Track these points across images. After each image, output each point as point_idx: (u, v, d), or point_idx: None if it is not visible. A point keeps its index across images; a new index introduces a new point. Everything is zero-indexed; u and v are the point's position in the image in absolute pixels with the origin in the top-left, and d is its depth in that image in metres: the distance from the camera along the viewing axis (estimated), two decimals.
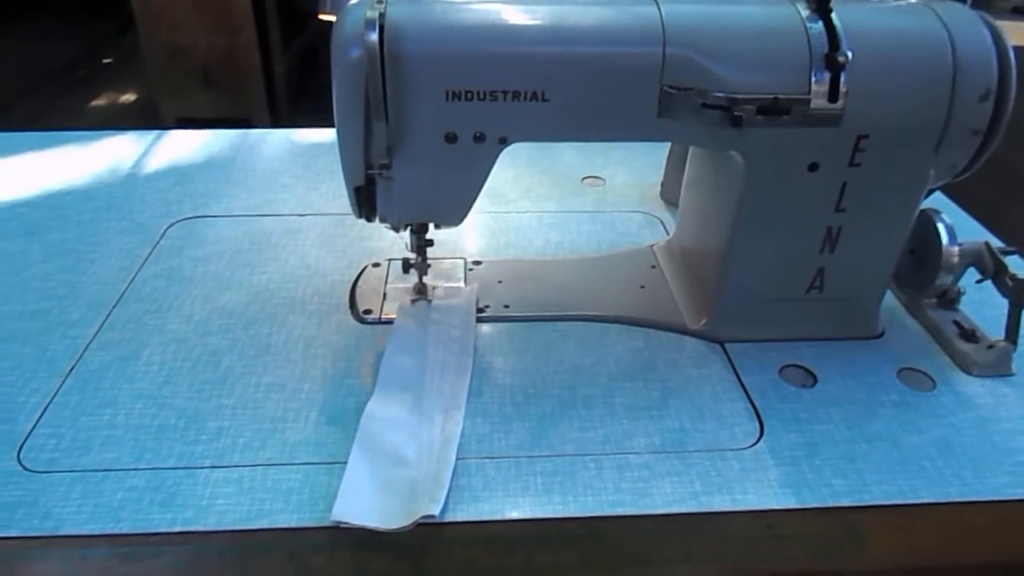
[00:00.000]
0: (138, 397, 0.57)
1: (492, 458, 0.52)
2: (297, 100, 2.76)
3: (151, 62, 2.63)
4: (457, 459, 0.52)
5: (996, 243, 0.64)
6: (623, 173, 0.92)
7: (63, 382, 0.58)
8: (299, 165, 0.92)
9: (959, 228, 0.63)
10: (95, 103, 3.09)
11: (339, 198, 0.84)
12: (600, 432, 0.55)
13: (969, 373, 0.61)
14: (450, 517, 0.48)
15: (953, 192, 0.77)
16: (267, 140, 0.99)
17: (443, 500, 0.48)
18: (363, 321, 0.66)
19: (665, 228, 0.81)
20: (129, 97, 3.15)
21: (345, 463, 0.51)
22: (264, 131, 1.01)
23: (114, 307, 0.67)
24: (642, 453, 0.53)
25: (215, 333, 0.64)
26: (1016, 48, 0.55)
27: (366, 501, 0.48)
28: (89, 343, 0.62)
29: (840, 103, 0.53)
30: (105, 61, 3.44)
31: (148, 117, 2.82)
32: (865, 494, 0.50)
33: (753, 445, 0.54)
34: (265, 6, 2.52)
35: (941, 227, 0.62)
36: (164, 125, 2.74)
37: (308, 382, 0.59)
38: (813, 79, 0.53)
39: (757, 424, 0.56)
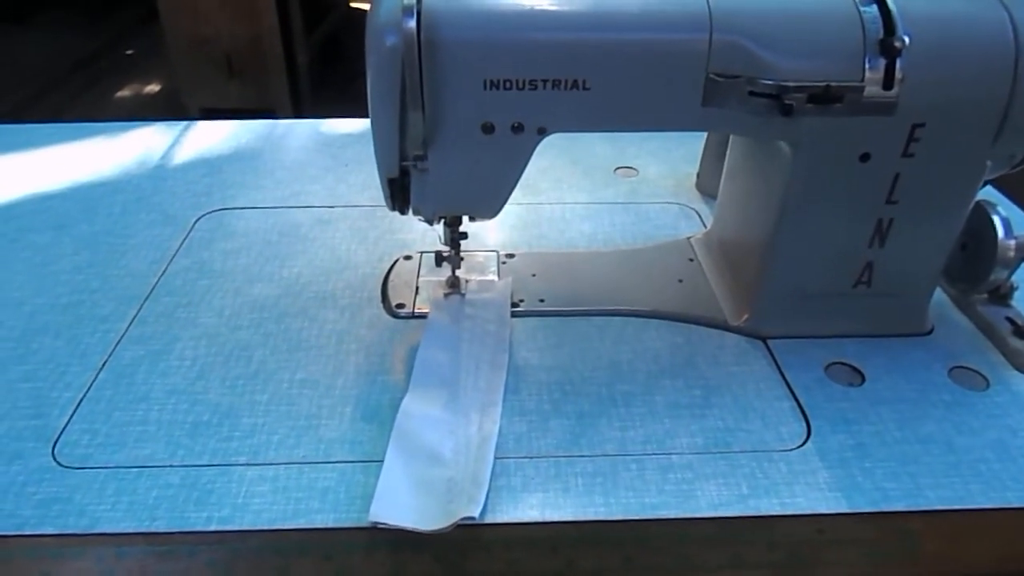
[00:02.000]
0: (171, 392, 0.56)
1: (531, 458, 0.51)
2: (320, 90, 2.76)
3: (174, 53, 2.63)
4: (495, 458, 0.50)
5: None
6: (656, 163, 0.89)
7: (96, 376, 0.58)
8: (327, 156, 0.91)
9: (1013, 221, 0.61)
10: (119, 94, 3.11)
11: (368, 189, 0.83)
12: (641, 431, 0.53)
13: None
14: (489, 519, 0.47)
15: (1004, 185, 0.74)
16: (294, 131, 0.98)
17: (483, 501, 0.47)
18: (396, 315, 0.64)
19: (702, 220, 0.78)
20: (153, 88, 3.17)
21: (381, 461, 0.50)
22: (291, 122, 1.00)
23: (145, 300, 0.66)
24: (685, 453, 0.51)
25: (246, 327, 0.63)
26: None
27: (404, 501, 0.47)
28: (121, 337, 0.62)
29: (895, 91, 0.51)
30: (128, 52, 3.45)
31: (172, 108, 2.84)
32: (919, 498, 0.49)
33: (800, 446, 0.52)
34: None
35: (996, 220, 0.59)
36: (188, 116, 2.76)
37: (341, 378, 0.58)
38: (867, 66, 0.50)
39: (804, 424, 0.54)
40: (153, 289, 0.68)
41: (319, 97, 2.74)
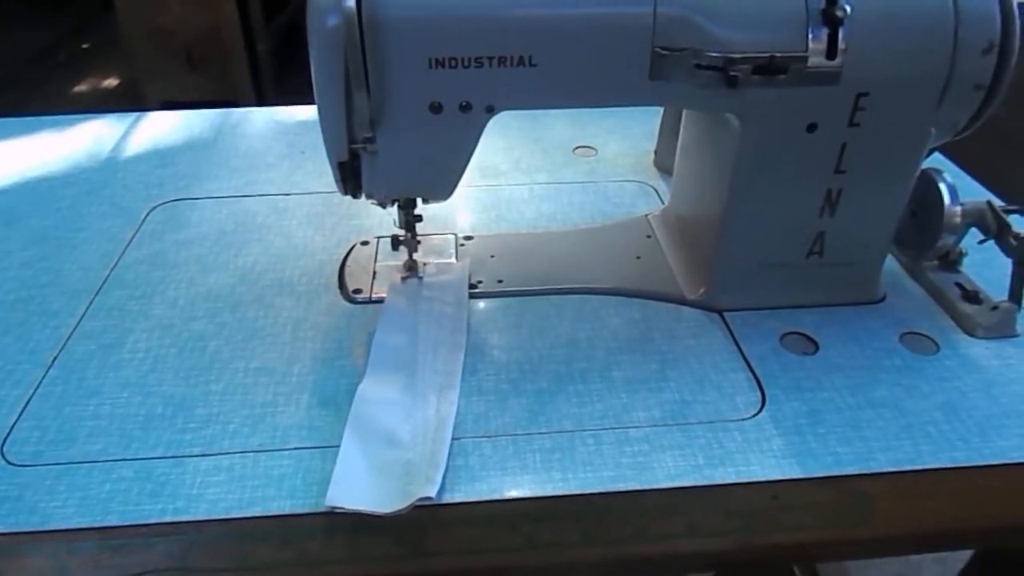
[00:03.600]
0: (124, 386, 0.55)
1: (489, 437, 0.51)
2: (282, 78, 2.72)
3: (132, 45, 2.58)
4: (453, 439, 0.50)
5: (998, 203, 0.62)
6: (615, 142, 0.90)
7: (46, 373, 0.57)
8: (283, 143, 0.90)
9: (960, 188, 0.62)
10: (77, 89, 3.04)
11: (325, 175, 0.81)
12: (598, 407, 0.53)
13: (973, 335, 0.60)
14: (448, 498, 0.47)
15: (952, 154, 0.75)
16: (250, 119, 0.96)
17: (440, 481, 0.47)
18: (353, 301, 0.64)
19: (660, 197, 0.79)
20: (112, 81, 3.10)
21: (338, 446, 0.49)
22: (246, 110, 0.98)
23: (97, 294, 0.65)
24: (642, 427, 0.52)
25: (201, 318, 0.62)
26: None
27: (361, 485, 0.47)
28: (72, 332, 0.61)
29: (839, 60, 0.51)
30: (84, 46, 3.37)
31: (132, 101, 2.77)
32: (871, 461, 0.49)
33: (755, 415, 0.53)
34: None
35: (943, 187, 0.60)
36: (149, 109, 2.70)
37: (298, 365, 0.57)
38: (810, 36, 0.51)
39: (759, 393, 0.55)
40: (104, 282, 0.66)
41: (282, 86, 2.70)
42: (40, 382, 0.56)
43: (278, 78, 2.70)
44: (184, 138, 0.92)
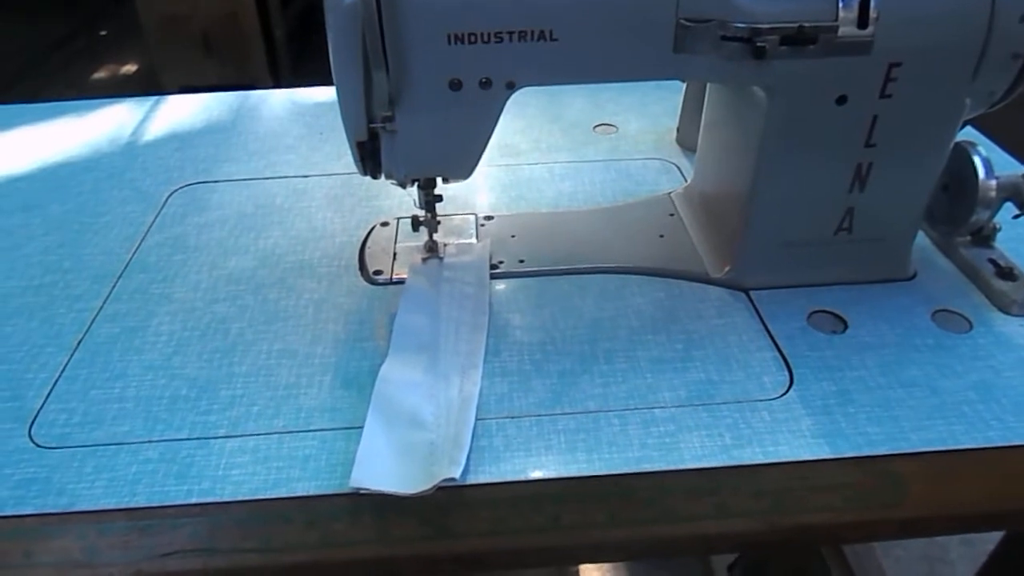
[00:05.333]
0: (148, 368, 0.56)
1: (513, 417, 0.51)
2: (299, 63, 2.71)
3: (149, 32, 2.58)
4: (477, 419, 0.50)
5: None
6: (636, 119, 0.88)
7: (71, 356, 0.57)
8: (301, 125, 0.89)
9: (994, 161, 0.60)
10: (96, 76, 3.06)
11: (344, 157, 0.81)
12: (623, 387, 0.53)
13: (1008, 313, 0.58)
14: (472, 479, 0.46)
15: (985, 126, 0.73)
16: (268, 102, 0.96)
17: (463, 462, 0.46)
18: (374, 282, 0.64)
19: (683, 174, 0.77)
20: (130, 68, 3.11)
21: (362, 427, 0.49)
22: (264, 92, 0.98)
23: (119, 278, 0.65)
24: (668, 407, 0.51)
25: (223, 300, 0.62)
26: None
27: (384, 466, 0.47)
28: (96, 315, 0.61)
29: (870, 29, 0.50)
30: (102, 33, 3.39)
31: (150, 88, 2.79)
32: (903, 442, 0.48)
33: (783, 395, 0.52)
34: None
35: (977, 160, 0.58)
36: (167, 94, 2.71)
37: (320, 346, 0.57)
38: (841, 4, 0.49)
39: (787, 373, 0.54)
40: (127, 266, 0.67)
41: (299, 71, 2.70)
42: (66, 365, 0.56)
43: (295, 63, 2.70)
44: (203, 121, 0.91)
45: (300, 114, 0.92)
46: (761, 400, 0.51)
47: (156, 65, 2.69)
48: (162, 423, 0.51)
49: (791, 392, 0.52)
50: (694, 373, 0.54)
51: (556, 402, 0.52)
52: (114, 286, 0.64)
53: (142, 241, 0.70)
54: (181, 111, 0.94)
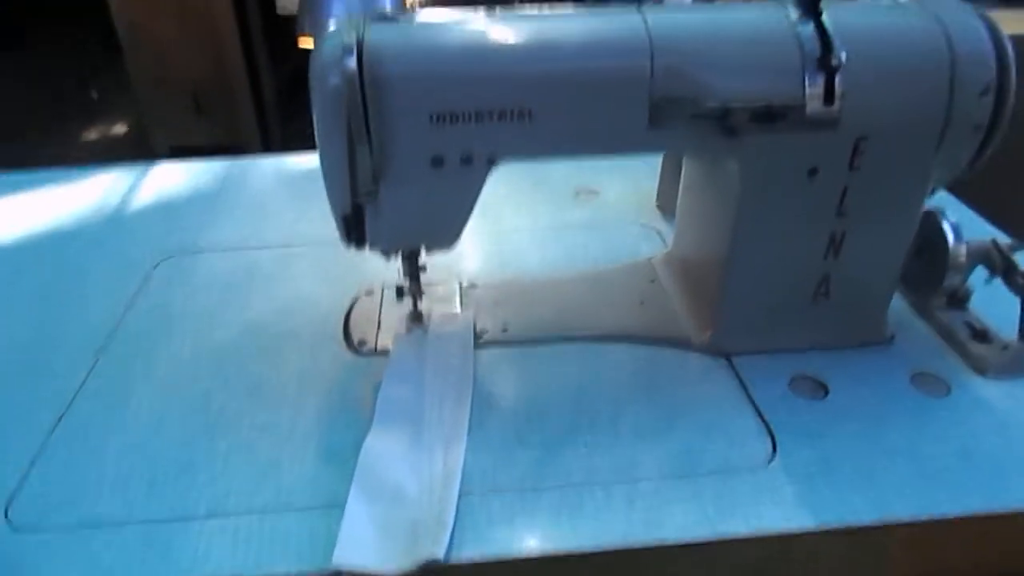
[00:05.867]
0: (128, 446, 0.55)
1: (496, 491, 0.50)
2: (288, 123, 2.76)
3: (140, 92, 2.62)
4: (460, 495, 0.50)
5: (1004, 240, 0.62)
6: (618, 183, 0.90)
7: (51, 434, 0.56)
8: (288, 193, 0.90)
9: (965, 226, 0.61)
10: (86, 136, 3.09)
11: (330, 223, 0.81)
12: (606, 458, 0.53)
13: (984, 375, 0.59)
14: (455, 558, 0.46)
15: (958, 189, 0.75)
16: (255, 168, 0.97)
17: (447, 541, 0.46)
18: (358, 352, 0.64)
19: (663, 239, 0.79)
20: (120, 128, 3.15)
21: (344, 503, 0.49)
22: (251, 160, 0.99)
23: (102, 351, 0.65)
24: (651, 478, 0.51)
25: (206, 373, 0.62)
26: (1011, 38, 0.54)
27: (368, 544, 0.46)
28: (77, 391, 0.60)
29: (836, 106, 0.51)
30: (93, 94, 3.43)
31: (140, 147, 2.82)
32: (886, 511, 0.48)
33: (766, 464, 0.52)
34: (251, 30, 2.51)
35: (947, 226, 0.60)
36: (156, 154, 2.74)
37: (303, 420, 0.57)
38: (807, 83, 0.51)
39: (769, 441, 0.54)
40: (110, 338, 0.66)
41: (288, 130, 2.74)
42: (44, 444, 0.55)
43: (284, 123, 2.74)
44: (190, 189, 0.92)
45: (287, 181, 0.93)
46: (744, 469, 0.51)
47: (146, 125, 2.72)
48: (140, 504, 0.50)
49: (774, 461, 0.52)
50: (677, 442, 0.54)
51: (540, 475, 0.51)
52: (96, 360, 0.64)
53: (126, 312, 0.70)
54: (169, 179, 0.95)
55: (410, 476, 0.51)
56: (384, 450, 0.53)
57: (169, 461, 0.54)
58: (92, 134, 3.12)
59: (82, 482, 0.52)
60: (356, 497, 0.49)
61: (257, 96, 2.63)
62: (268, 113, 2.67)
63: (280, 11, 2.32)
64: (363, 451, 0.52)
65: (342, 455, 0.53)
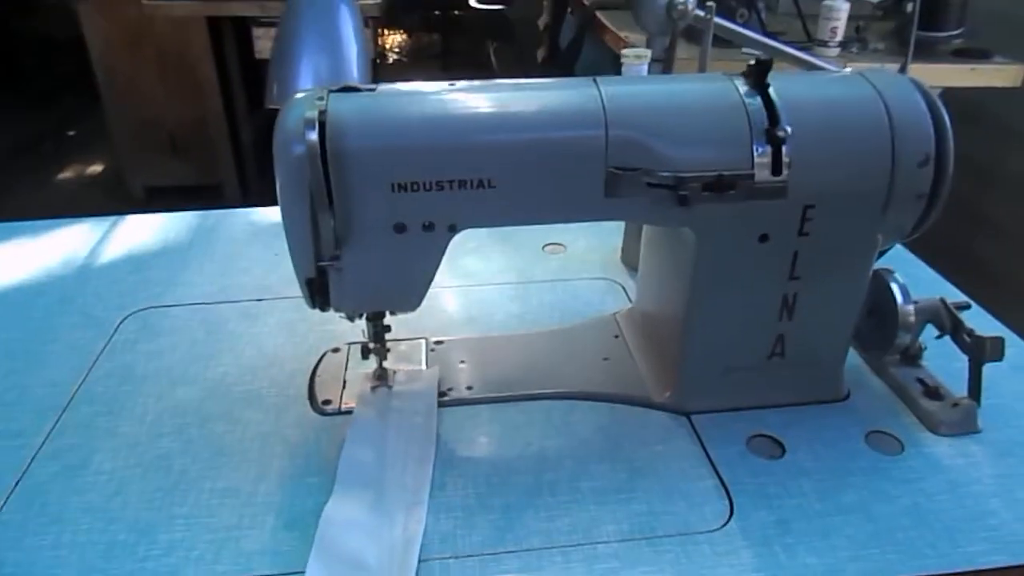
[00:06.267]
0: (87, 511, 0.55)
1: (456, 557, 0.50)
2: (265, 166, 2.76)
3: (117, 134, 2.63)
4: (420, 560, 0.50)
5: (954, 296, 0.64)
6: (584, 238, 0.92)
7: (8, 497, 0.56)
8: (258, 246, 0.91)
9: (918, 280, 0.64)
10: (62, 176, 3.08)
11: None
12: (566, 521, 0.53)
13: (936, 433, 0.61)
14: None
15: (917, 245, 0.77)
16: (226, 221, 0.98)
17: None
18: (323, 412, 0.64)
19: (627, 294, 0.80)
20: (96, 169, 3.14)
21: (304, 573, 0.48)
22: (223, 212, 1.00)
23: (64, 411, 0.64)
24: (610, 542, 0.51)
25: (168, 434, 0.62)
26: (958, 89, 0.56)
27: None
28: (36, 453, 0.60)
29: (784, 175, 0.53)
30: (70, 134, 3.43)
31: (115, 188, 2.81)
32: (840, 573, 0.49)
33: (724, 526, 0.53)
34: (230, 74, 2.53)
35: (895, 287, 0.62)
36: (132, 196, 2.74)
37: (265, 483, 0.57)
38: (756, 153, 0.53)
39: (727, 502, 0.55)
40: (73, 398, 0.66)
41: (265, 173, 2.72)
42: (1, 508, 0.55)
43: (261, 166, 2.75)
44: (160, 242, 0.93)
45: (257, 234, 0.94)
46: (702, 532, 0.52)
47: (123, 167, 2.72)
48: (97, 572, 0.50)
49: (731, 523, 0.53)
50: (637, 504, 0.54)
51: (500, 540, 0.52)
52: (58, 420, 0.63)
53: (90, 371, 0.69)
54: (138, 231, 0.95)
55: (369, 544, 0.51)
56: (344, 517, 0.53)
57: (128, 526, 0.53)
58: (68, 173, 3.11)
59: (38, 546, 0.52)
60: (315, 567, 0.49)
61: (235, 136, 2.64)
62: (245, 153, 2.68)
63: (258, 54, 2.34)
64: (323, 518, 0.52)
65: (303, 521, 0.53)
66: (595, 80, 0.55)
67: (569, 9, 2.59)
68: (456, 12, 4.38)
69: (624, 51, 0.75)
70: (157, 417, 0.64)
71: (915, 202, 0.56)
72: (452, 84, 0.54)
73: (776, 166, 0.53)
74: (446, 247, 0.56)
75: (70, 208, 2.70)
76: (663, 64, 0.76)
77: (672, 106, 0.54)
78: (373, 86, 0.54)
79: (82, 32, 2.44)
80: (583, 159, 0.53)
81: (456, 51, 4.49)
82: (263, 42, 2.28)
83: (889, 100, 0.55)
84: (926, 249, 0.83)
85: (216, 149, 2.62)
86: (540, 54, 3.09)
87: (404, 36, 4.89)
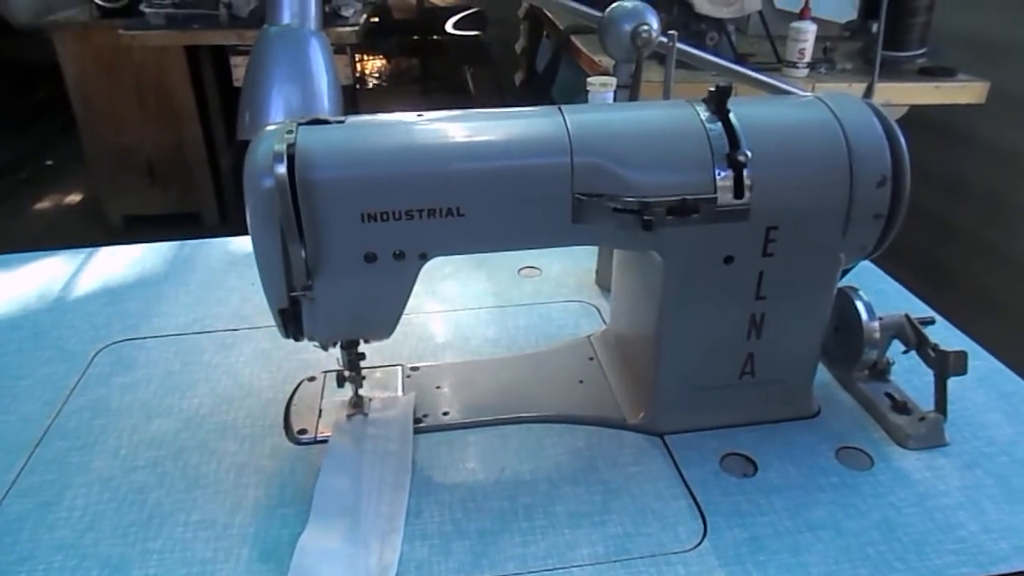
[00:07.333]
0: (59, 548, 0.54)
1: None
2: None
3: (95, 162, 2.62)
4: None
5: (919, 311, 0.66)
6: (559, 261, 0.92)
7: None
8: (234, 275, 0.91)
9: (885, 295, 0.65)
10: (39, 205, 3.06)
11: None
12: (542, 545, 0.53)
13: (905, 447, 0.62)
14: None
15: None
16: (202, 251, 0.98)
17: None
18: (298, 442, 0.64)
19: (602, 316, 0.81)
20: (74, 198, 3.12)
21: None
22: (198, 242, 1.00)
23: (36, 446, 0.64)
24: (585, 565, 0.52)
25: (142, 468, 0.61)
26: (925, 107, 0.57)
27: None
28: (8, 490, 0.59)
29: (746, 198, 0.55)
30: (48, 163, 3.41)
31: (93, 217, 2.80)
32: None
33: (697, 546, 0.53)
34: (208, 101, 2.54)
35: (860, 304, 0.63)
36: (110, 224, 2.72)
37: (240, 515, 0.57)
38: (718, 177, 0.54)
39: (700, 522, 0.55)
40: (45, 433, 0.66)
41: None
42: None
43: (240, 193, 2.74)
44: (135, 274, 0.92)
45: (233, 263, 0.94)
46: (676, 553, 0.53)
47: (101, 195, 2.71)
48: None
49: (704, 542, 0.53)
50: (612, 527, 0.55)
51: (475, 566, 0.52)
52: (30, 455, 0.63)
53: (64, 405, 0.69)
54: (114, 263, 0.95)
55: (345, 573, 0.51)
56: (319, 547, 0.53)
57: (101, 562, 0.53)
58: (45, 203, 3.09)
59: None
60: None
61: (213, 164, 2.64)
62: (224, 181, 2.68)
63: (236, 82, 2.35)
64: (298, 549, 0.52)
65: (278, 552, 0.53)
66: (560, 108, 0.56)
67: (545, 33, 2.63)
68: (434, 37, 4.43)
69: (589, 79, 0.77)
70: (131, 450, 0.63)
71: (874, 221, 0.57)
72: (420, 115, 0.55)
73: (738, 189, 0.54)
74: (417, 275, 0.57)
75: (48, 238, 2.69)
76: (629, 90, 0.78)
77: (635, 132, 0.55)
78: (342, 118, 0.55)
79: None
80: (550, 186, 0.54)
81: (435, 75, 4.53)
82: (241, 70, 2.29)
83: (846, 123, 0.56)
84: (895, 262, 0.85)
85: (195, 177, 2.62)
86: (518, 77, 3.13)
87: (383, 61, 4.93)
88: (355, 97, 2.75)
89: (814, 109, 0.58)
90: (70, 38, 2.42)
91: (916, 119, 1.52)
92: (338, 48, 2.26)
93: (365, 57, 4.79)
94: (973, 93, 1.61)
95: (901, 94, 1.57)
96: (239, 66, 2.34)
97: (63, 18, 2.43)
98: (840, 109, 0.57)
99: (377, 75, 4.77)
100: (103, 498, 0.59)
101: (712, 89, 0.55)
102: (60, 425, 0.67)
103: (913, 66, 1.61)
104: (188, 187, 2.64)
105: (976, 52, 1.72)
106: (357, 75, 3.57)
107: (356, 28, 2.34)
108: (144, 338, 0.79)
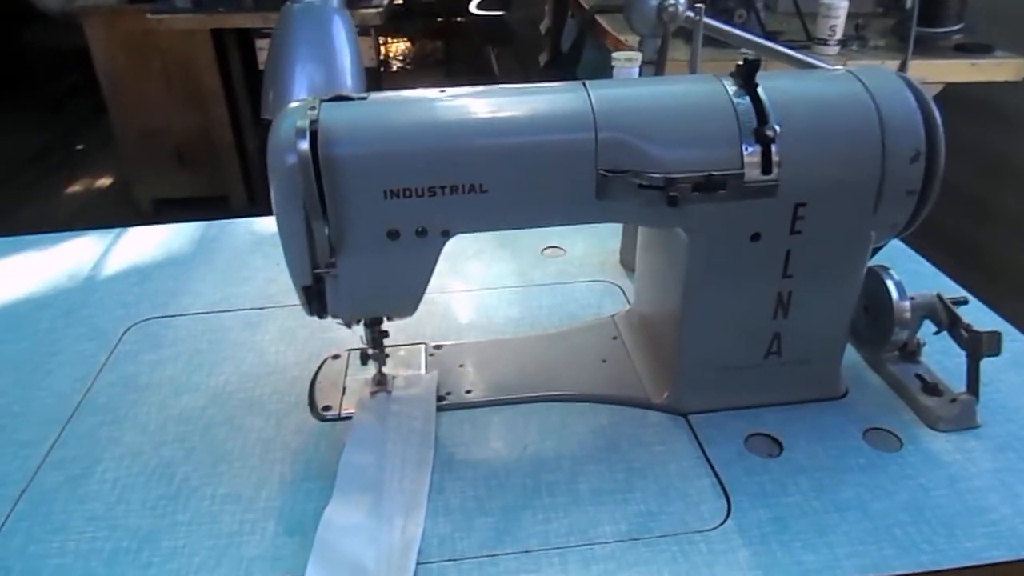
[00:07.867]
0: (90, 519, 0.55)
1: (454, 560, 0.51)
2: None
3: (124, 146, 2.65)
4: (418, 563, 0.50)
5: (951, 291, 0.64)
6: (582, 241, 0.92)
7: (13, 507, 0.57)
8: (260, 255, 0.92)
9: (917, 275, 0.64)
10: (71, 189, 3.11)
11: None
12: (564, 522, 0.53)
13: (935, 429, 0.60)
14: None
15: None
16: (228, 231, 0.99)
17: None
18: (323, 418, 0.64)
19: (626, 296, 0.80)
20: (104, 181, 3.17)
21: None
22: (224, 222, 1.01)
23: (68, 421, 0.65)
24: (608, 542, 0.52)
25: (171, 443, 0.62)
26: (958, 85, 0.56)
27: None
28: (41, 463, 0.61)
29: (774, 174, 0.54)
30: (79, 147, 3.46)
31: (123, 201, 2.84)
32: (837, 570, 0.49)
33: (721, 524, 0.53)
34: (234, 84, 2.55)
35: (890, 284, 0.62)
36: (140, 207, 2.76)
37: (265, 490, 0.57)
38: (745, 153, 0.53)
39: (724, 501, 0.55)
40: (77, 408, 0.67)
41: None
42: (7, 517, 0.56)
43: (267, 175, 2.77)
44: (163, 254, 0.94)
45: (259, 243, 0.95)
46: (699, 531, 0.52)
47: (130, 178, 2.75)
48: None
49: (728, 521, 0.53)
50: (634, 504, 0.55)
51: (498, 542, 0.52)
52: (62, 430, 0.64)
53: (94, 381, 0.70)
54: (143, 243, 0.96)
55: (368, 547, 0.51)
56: (343, 521, 0.53)
57: (131, 534, 0.54)
58: (76, 186, 3.14)
59: (43, 556, 0.52)
60: (314, 570, 0.49)
61: (241, 148, 2.66)
62: (251, 164, 2.70)
63: (261, 65, 2.36)
64: (322, 523, 0.53)
65: (303, 526, 0.54)
66: (584, 83, 0.55)
67: (570, 13, 2.60)
68: (458, 19, 4.41)
69: (615, 54, 0.76)
70: (160, 426, 0.64)
71: (906, 198, 0.56)
72: (442, 91, 0.55)
73: (766, 165, 0.53)
74: (439, 252, 0.57)
75: (78, 222, 2.74)
76: (655, 66, 0.77)
77: (660, 107, 0.55)
78: (365, 95, 0.55)
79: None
80: (573, 162, 0.54)
81: (459, 57, 4.51)
82: (265, 53, 2.30)
83: (878, 97, 0.55)
84: (929, 241, 0.83)
85: (222, 160, 2.65)
86: (543, 58, 3.10)
87: (407, 44, 4.92)
88: (379, 80, 2.75)
89: (845, 82, 0.56)
90: (99, 23, 2.44)
91: (952, 97, 1.48)
92: (362, 30, 2.25)
93: (389, 40, 4.78)
94: (1011, 70, 1.57)
95: (936, 71, 1.53)
96: (264, 49, 2.35)
97: (92, 3, 2.46)
98: (872, 82, 0.56)
99: (401, 58, 4.76)
100: (133, 471, 0.60)
101: (739, 63, 0.54)
102: (91, 400, 0.68)
103: (948, 42, 1.57)
104: (216, 170, 2.67)
105: (1014, 28, 1.66)
106: (381, 58, 3.57)
107: (380, 9, 2.33)
108: (172, 316, 0.80)
